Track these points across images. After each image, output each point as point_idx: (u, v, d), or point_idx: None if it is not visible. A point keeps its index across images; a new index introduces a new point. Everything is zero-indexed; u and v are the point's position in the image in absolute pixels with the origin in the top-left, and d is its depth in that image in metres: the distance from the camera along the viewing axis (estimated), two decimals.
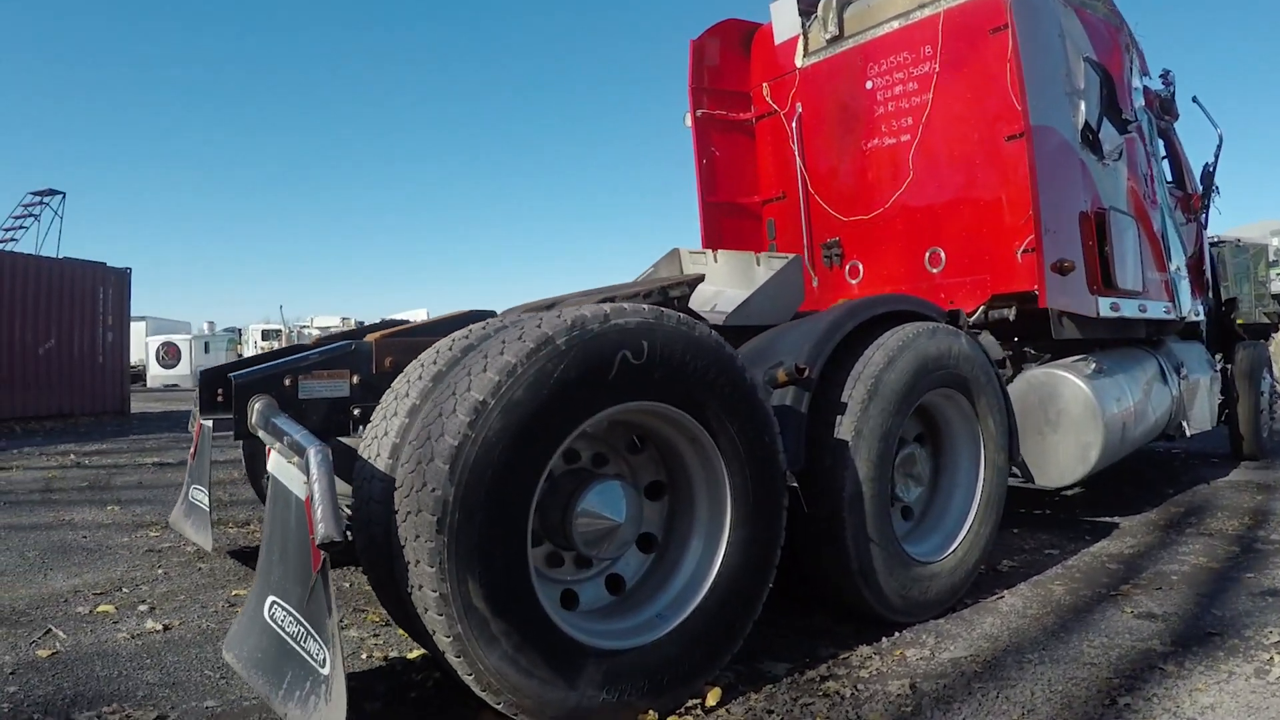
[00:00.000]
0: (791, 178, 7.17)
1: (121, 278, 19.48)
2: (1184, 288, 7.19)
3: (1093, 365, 5.97)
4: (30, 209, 35.19)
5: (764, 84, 7.39)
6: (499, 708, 2.75)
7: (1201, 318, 8.04)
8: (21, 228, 35.05)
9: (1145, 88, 7.30)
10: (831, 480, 3.74)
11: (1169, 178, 7.93)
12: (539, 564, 3.09)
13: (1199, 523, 6.10)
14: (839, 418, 3.79)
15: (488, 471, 2.62)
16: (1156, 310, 6.71)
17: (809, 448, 3.77)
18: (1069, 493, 7.35)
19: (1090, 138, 6.11)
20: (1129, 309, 6.31)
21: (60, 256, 20.18)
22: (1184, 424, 7.18)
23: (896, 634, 3.89)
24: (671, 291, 4.59)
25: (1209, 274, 8.36)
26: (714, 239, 7.26)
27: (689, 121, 7.38)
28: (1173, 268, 7.05)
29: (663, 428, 3.23)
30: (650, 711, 2.97)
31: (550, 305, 4.50)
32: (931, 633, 3.90)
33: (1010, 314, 6.00)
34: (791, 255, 5.24)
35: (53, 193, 35.38)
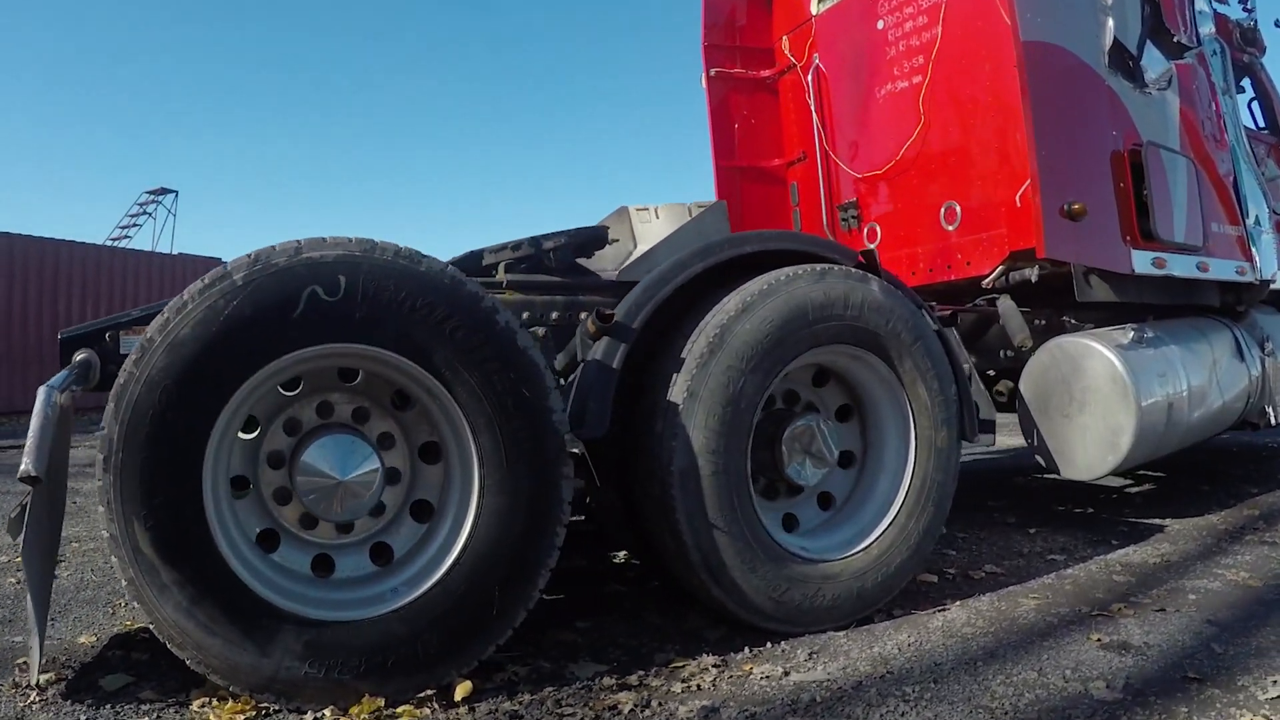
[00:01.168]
0: (811, 136, 6.21)
1: None
2: (1269, 246, 5.69)
3: (1131, 334, 4.71)
4: (145, 207, 34.86)
5: (784, 36, 6.46)
6: (188, 663, 2.49)
7: None
8: (135, 225, 34.81)
9: (1217, 13, 5.86)
10: (660, 451, 2.97)
11: (1259, 122, 6.39)
12: (253, 517, 2.73)
13: (1266, 529, 4.71)
14: (675, 376, 2.98)
15: (149, 411, 2.39)
16: (1224, 270, 5.29)
17: (636, 412, 3.04)
18: (1131, 489, 6.00)
19: (1126, 61, 4.84)
20: (1181, 266, 4.97)
21: (175, 253, 20.97)
22: (1270, 410, 5.68)
23: (770, 645, 3.02)
24: (546, 243, 3.83)
25: None
26: (731, 206, 6.38)
27: (705, 82, 6.57)
28: (1250, 221, 5.58)
29: (396, 376, 2.71)
30: (374, 697, 2.52)
31: None
32: (812, 648, 2.99)
33: (1033, 275, 4.83)
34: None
35: (165, 191, 34.67)
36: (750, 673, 2.77)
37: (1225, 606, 3.36)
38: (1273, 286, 5.89)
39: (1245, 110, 6.45)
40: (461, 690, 2.57)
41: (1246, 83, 6.43)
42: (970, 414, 3.65)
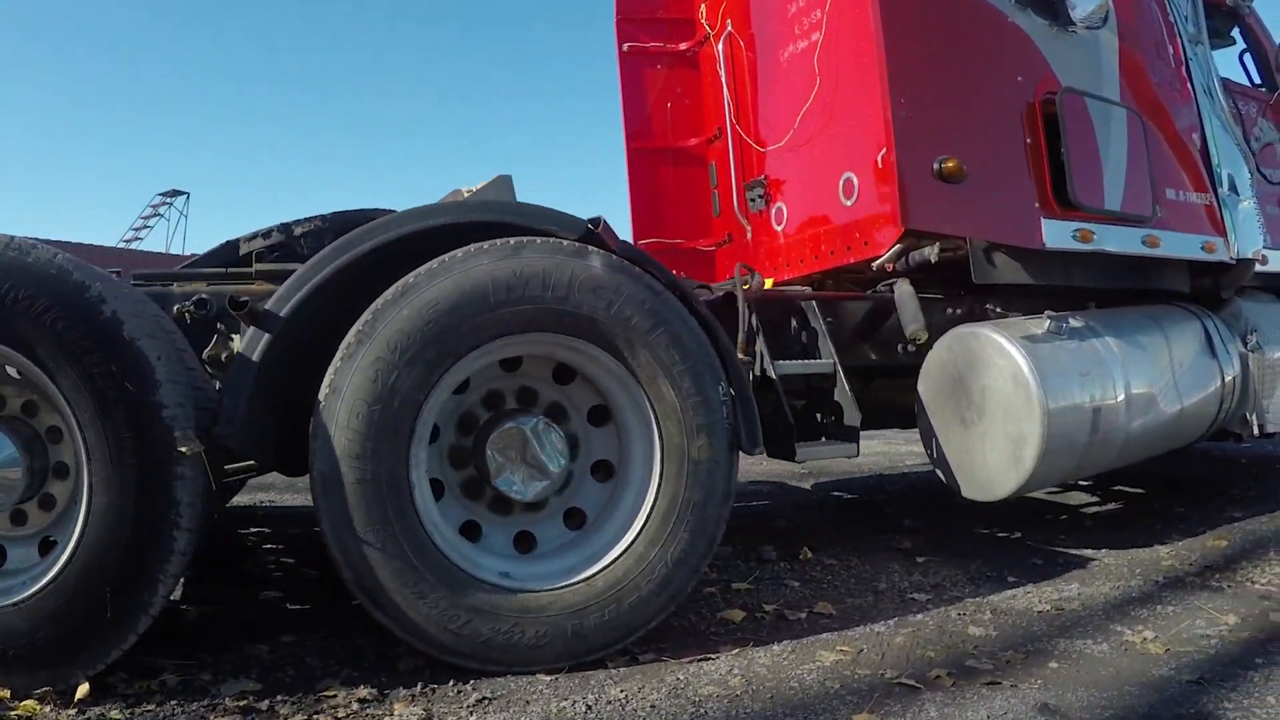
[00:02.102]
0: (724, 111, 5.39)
1: None
2: (1251, 219, 4.56)
3: (1049, 323, 3.71)
4: (158, 209, 34.16)
5: (702, 4, 5.65)
6: None
7: None
8: (147, 227, 34.20)
9: None
10: (309, 454, 2.52)
11: (1254, 78, 5.22)
12: None
13: (1219, 571, 3.58)
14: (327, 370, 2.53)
15: None
16: (1184, 246, 4.19)
17: (285, 407, 2.65)
18: (1089, 509, 4.90)
19: None
20: (1118, 241, 3.92)
21: (187, 253, 20.84)
22: (1251, 416, 4.53)
23: (451, 684, 2.48)
24: (296, 229, 3.26)
25: None
26: (646, 189, 5.58)
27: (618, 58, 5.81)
28: (1224, 189, 4.47)
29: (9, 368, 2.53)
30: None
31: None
32: (490, 693, 2.42)
33: (933, 254, 3.91)
34: (496, 177, 3.66)
35: (178, 193, 33.61)
36: (394, 713, 2.15)
37: (1085, 685, 2.37)
38: (1263, 268, 4.78)
39: (1239, 65, 5.30)
40: (82, 690, 2.41)
41: (1237, 33, 5.29)
42: (750, 420, 2.79)
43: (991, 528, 4.42)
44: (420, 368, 2.52)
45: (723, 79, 5.22)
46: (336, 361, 2.51)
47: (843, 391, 3.61)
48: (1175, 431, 4.14)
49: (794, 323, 3.93)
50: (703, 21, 5.49)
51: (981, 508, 4.73)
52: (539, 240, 2.68)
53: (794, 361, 3.72)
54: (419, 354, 2.52)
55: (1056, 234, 3.69)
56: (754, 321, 3.69)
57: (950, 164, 3.41)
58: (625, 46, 5.65)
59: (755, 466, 6.20)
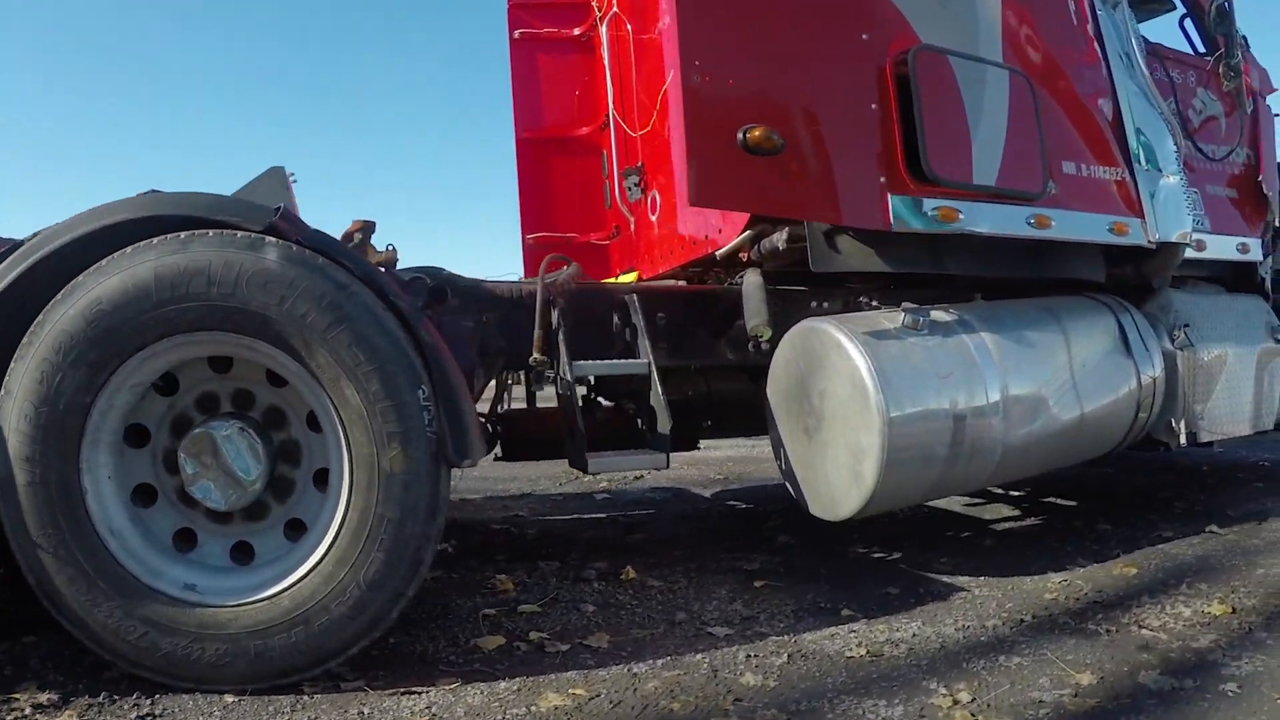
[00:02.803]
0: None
1: None
2: (1173, 198, 3.86)
3: (903, 317, 3.11)
4: None
5: None
6: None
7: (1259, 258, 4.48)
8: None
9: None
10: None
11: (1199, 47, 4.50)
12: None
13: (1111, 611, 2.91)
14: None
15: None
16: (1086, 228, 3.50)
17: None
18: (1001, 525, 4.20)
19: None
20: (993, 221, 3.28)
21: None
22: (1178, 423, 3.83)
23: (119, 698, 2.28)
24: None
25: (1272, 193, 4.50)
26: (537, 182, 5.09)
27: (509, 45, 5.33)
28: (1142, 164, 3.79)
29: None
30: None
31: None
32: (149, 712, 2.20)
33: (780, 241, 3.36)
34: (269, 169, 3.30)
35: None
36: None
37: None
38: (1199, 254, 4.08)
39: (1180, 31, 4.60)
40: None
41: None
42: (459, 428, 2.33)
43: (871, 546, 3.79)
44: (84, 369, 2.29)
45: (605, 61, 4.74)
46: (13, 363, 2.33)
47: (656, 395, 3.07)
48: (1076, 441, 3.48)
49: (616, 319, 3.39)
50: (594, 3, 5.01)
51: (875, 522, 4.15)
52: (211, 233, 2.28)
53: (594, 362, 3.21)
54: (82, 355, 2.29)
55: (908, 213, 3.07)
56: (555, 317, 3.20)
57: (756, 133, 2.83)
58: (517, 33, 5.17)
59: (671, 472, 5.64)
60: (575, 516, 4.54)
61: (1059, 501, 4.68)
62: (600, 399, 3.89)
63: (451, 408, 2.31)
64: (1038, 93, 3.40)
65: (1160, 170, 3.74)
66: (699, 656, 2.53)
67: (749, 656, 2.52)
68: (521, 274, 5.06)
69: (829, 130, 3.01)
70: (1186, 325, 3.88)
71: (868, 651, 2.54)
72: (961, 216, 3.16)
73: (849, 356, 2.95)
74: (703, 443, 4.23)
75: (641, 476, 5.56)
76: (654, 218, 4.38)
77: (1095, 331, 3.55)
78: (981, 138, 3.23)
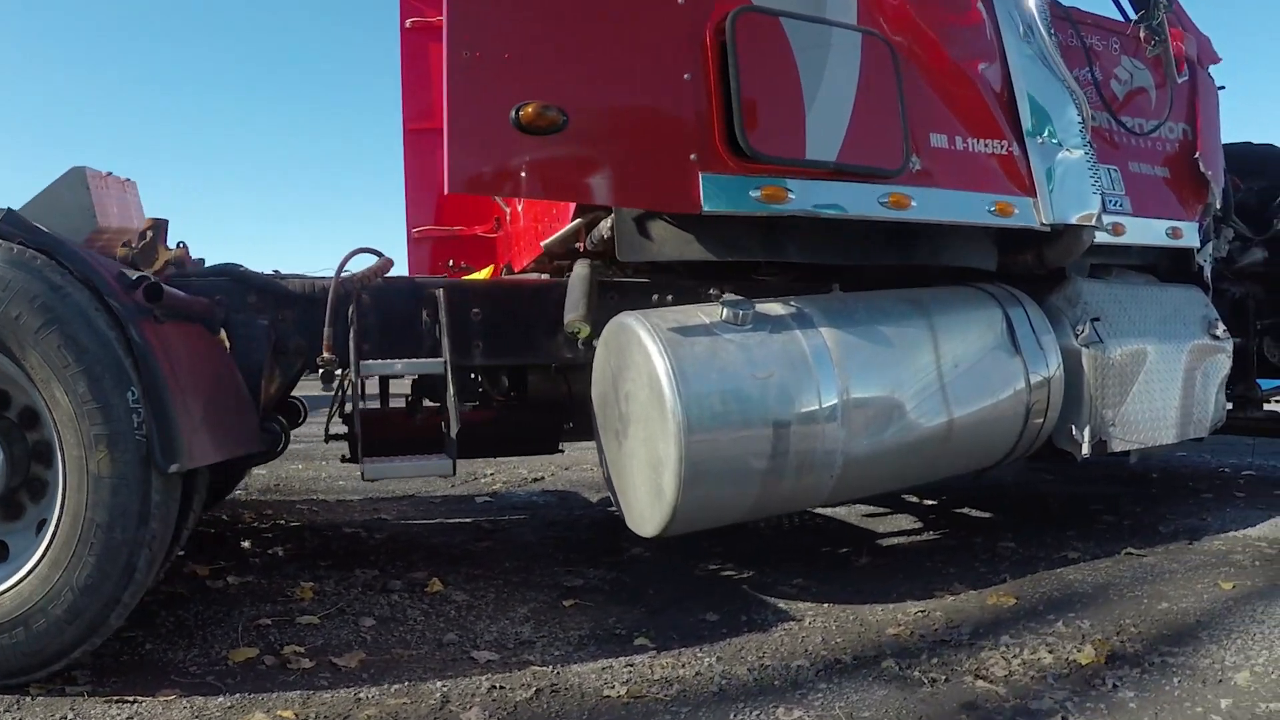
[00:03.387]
0: None
1: None
2: (1076, 175, 3.22)
3: (722, 311, 2.66)
4: None
5: None
6: None
7: (1195, 244, 3.88)
8: None
9: None
10: None
11: (1129, 13, 3.91)
12: None
13: (996, 648, 2.44)
14: None
15: None
16: (955, 207, 2.93)
17: None
18: (890, 539, 3.68)
19: None
20: (837, 199, 2.82)
21: None
22: (1081, 431, 3.28)
23: None
24: None
25: (1212, 173, 3.83)
26: (424, 174, 4.68)
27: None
28: (1035, 138, 3.23)
29: None
30: None
31: None
32: None
33: (605, 229, 2.94)
34: (70, 169, 3.08)
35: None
36: None
37: None
38: (1118, 239, 3.52)
39: None
40: None
41: None
42: (167, 432, 2.11)
43: (727, 562, 3.30)
44: None
45: None
46: None
47: (450, 397, 2.70)
48: (946, 452, 2.96)
49: (425, 315, 2.99)
50: None
51: (744, 533, 3.68)
52: None
53: (383, 361, 2.85)
54: None
55: (724, 194, 2.60)
56: (353, 314, 2.83)
57: (529, 110, 2.38)
58: (409, 22, 4.82)
59: (574, 474, 5.21)
60: (440, 521, 4.15)
61: (972, 513, 4.14)
62: (426, 400, 3.49)
63: (158, 410, 2.10)
64: (901, 58, 2.90)
65: (1060, 144, 3.19)
66: (440, 684, 2.19)
67: (493, 688, 2.15)
68: (407, 270, 4.71)
69: (627, 104, 2.56)
70: (1096, 319, 3.33)
71: (628, 691, 2.11)
72: (792, 197, 2.68)
73: (648, 355, 2.50)
74: None
75: (541, 478, 5.14)
76: (520, 208, 3.97)
77: (972, 326, 3.03)
78: (821, 108, 2.74)
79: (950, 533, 3.77)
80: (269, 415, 2.94)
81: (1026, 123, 3.13)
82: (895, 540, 3.67)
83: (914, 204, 2.86)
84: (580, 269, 2.96)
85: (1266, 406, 4.61)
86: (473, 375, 3.32)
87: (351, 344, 2.77)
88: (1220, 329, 3.71)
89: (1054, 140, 3.18)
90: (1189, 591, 2.92)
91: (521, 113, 2.40)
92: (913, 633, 2.58)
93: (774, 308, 2.77)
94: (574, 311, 2.79)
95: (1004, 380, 3.01)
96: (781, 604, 2.84)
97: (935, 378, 2.87)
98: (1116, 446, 3.31)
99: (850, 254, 2.99)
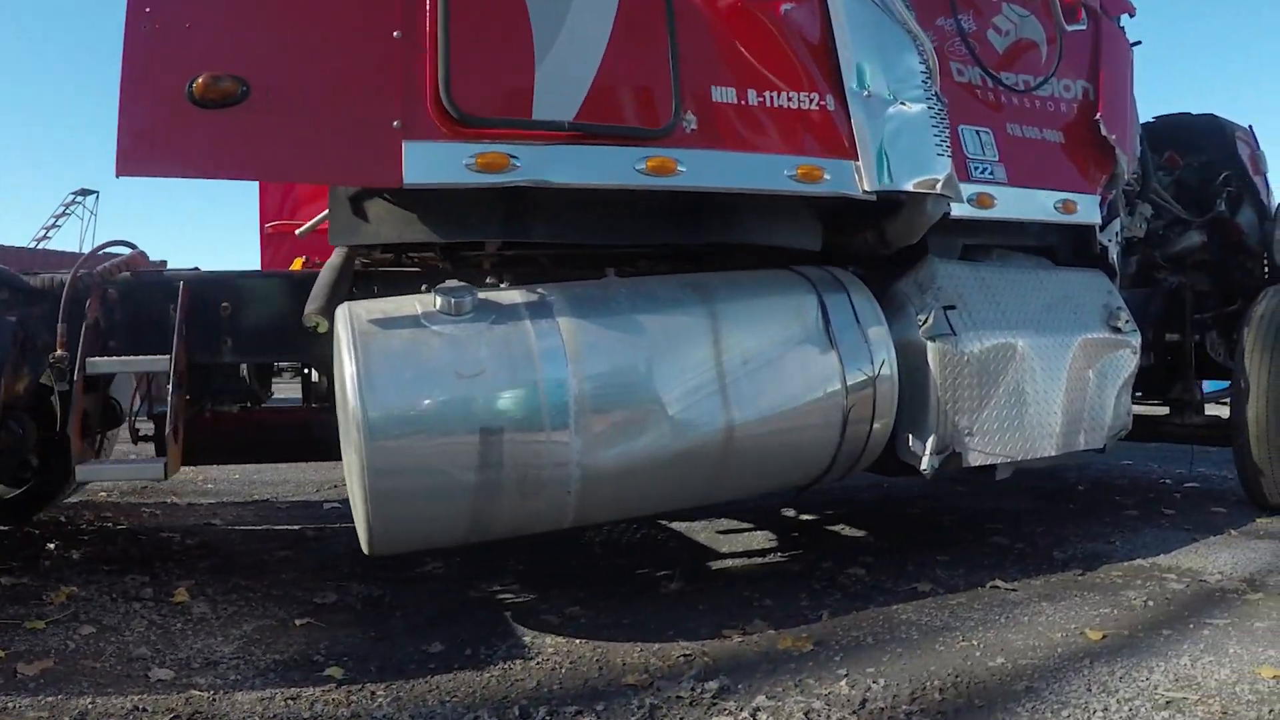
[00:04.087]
0: None
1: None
2: (913, 133, 2.50)
3: (439, 301, 2.11)
4: (68, 208, 30.51)
5: None
6: None
7: (1094, 219, 3.17)
8: (56, 227, 30.56)
9: None
10: None
11: None
12: None
13: (735, 697, 1.84)
14: None
15: None
16: (740, 172, 2.31)
17: None
18: (750, 560, 3.06)
19: None
20: (582, 166, 2.19)
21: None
22: (923, 441, 2.63)
23: None
24: None
25: (1117, 137, 3.12)
26: None
27: None
28: (861, 93, 2.58)
29: None
30: None
31: None
32: None
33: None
34: None
35: (88, 192, 29.86)
36: None
37: None
38: (985, 214, 2.86)
39: None
40: None
41: None
42: None
43: (514, 582, 2.73)
44: None
45: None
46: None
47: (171, 396, 2.38)
48: (730, 466, 2.34)
49: (172, 310, 2.54)
50: None
51: (563, 544, 3.12)
52: None
53: (110, 359, 2.49)
54: None
55: (431, 164, 2.06)
56: (96, 310, 2.47)
57: (201, 81, 1.94)
58: None
59: None
60: (267, 528, 3.68)
61: (844, 531, 3.49)
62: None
63: None
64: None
65: (893, 98, 2.56)
66: (87, 700, 1.93)
67: (133, 710, 1.87)
68: (259, 265, 4.27)
69: (322, 70, 2.05)
70: (950, 307, 2.68)
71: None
72: (517, 164, 2.11)
73: (340, 351, 2.02)
74: None
75: None
76: None
77: (769, 315, 2.42)
78: (557, 60, 2.18)
79: (803, 555, 3.14)
80: (9, 414, 2.58)
81: (848, 73, 2.51)
82: (730, 562, 3.06)
83: (682, 169, 2.26)
84: (335, 257, 2.49)
85: (1210, 410, 3.87)
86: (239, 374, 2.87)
87: (82, 339, 2.40)
88: (1124, 320, 3.01)
89: (886, 94, 2.54)
90: (1042, 642, 2.27)
91: (195, 85, 1.96)
92: (652, 683, 2.00)
93: (508, 296, 2.23)
94: (313, 303, 2.31)
95: (811, 380, 2.39)
96: (530, 636, 2.30)
97: (713, 377, 2.27)
98: (975, 460, 2.66)
99: (618, 233, 2.42)
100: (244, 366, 2.92)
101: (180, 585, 2.73)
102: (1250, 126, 4.09)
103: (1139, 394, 4.23)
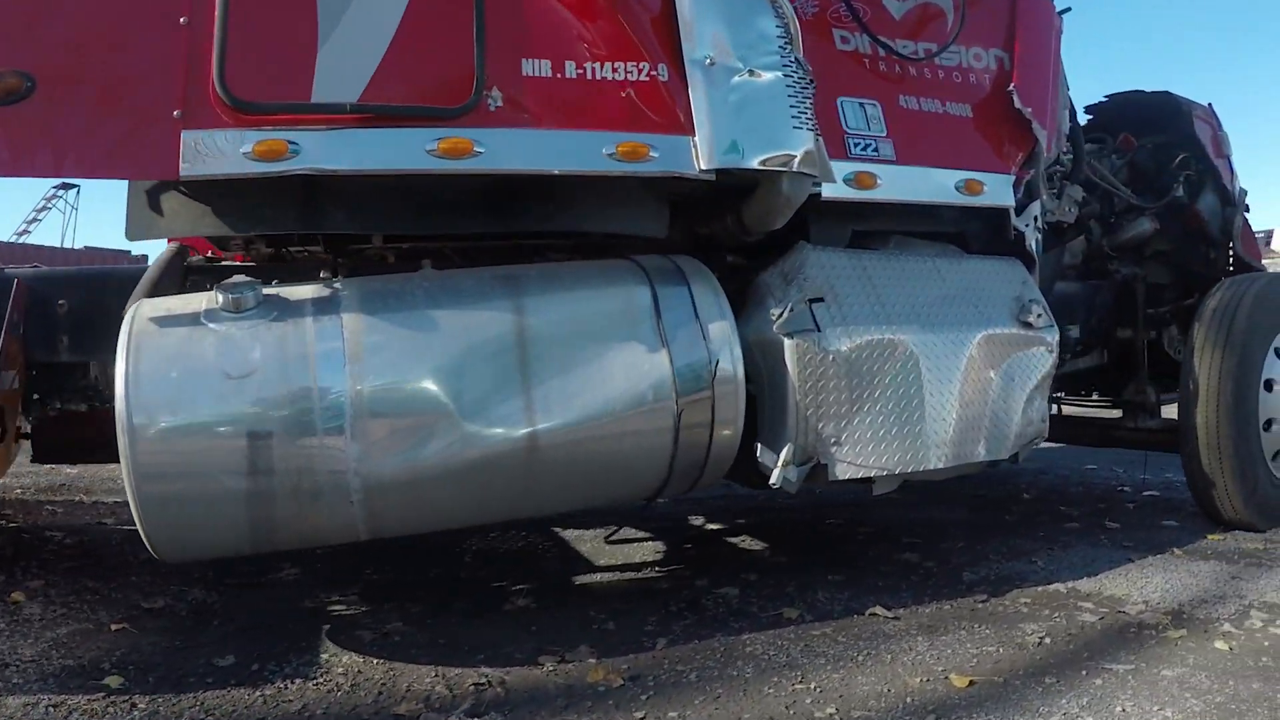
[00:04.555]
0: None
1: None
2: (761, 104, 2.09)
3: (220, 297, 1.84)
4: (50, 202, 30.06)
5: None
6: None
7: (1005, 202, 2.73)
8: (38, 221, 30.10)
9: None
10: None
11: None
12: None
13: None
14: None
15: None
16: (550, 153, 1.99)
17: None
18: (594, 574, 2.74)
19: None
20: (362, 151, 1.87)
21: (80, 247, 18.29)
22: (775, 452, 2.21)
23: None
24: None
25: (1033, 110, 2.66)
26: None
27: None
28: (706, 60, 2.15)
29: None
30: None
31: None
32: None
33: None
34: None
35: (69, 185, 28.95)
36: None
37: None
38: (868, 195, 2.48)
39: None
40: None
41: None
42: None
43: (356, 595, 2.44)
44: None
45: None
46: None
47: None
48: (540, 477, 2.00)
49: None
50: None
51: (437, 552, 2.85)
52: None
53: None
54: None
55: (209, 153, 1.79)
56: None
57: None
58: None
59: None
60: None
61: (743, 543, 3.11)
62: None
63: None
64: None
65: (742, 66, 2.22)
66: None
67: None
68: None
69: (109, 61, 1.84)
70: (817, 299, 2.32)
71: None
72: (297, 151, 1.86)
73: (118, 350, 1.82)
74: None
75: None
76: None
77: (588, 311, 2.09)
78: (344, 38, 1.91)
79: (683, 570, 2.80)
80: None
81: (689, 39, 2.17)
82: (598, 577, 2.73)
83: (480, 151, 1.96)
84: (165, 250, 2.30)
85: (1168, 413, 3.40)
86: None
87: None
88: (1035, 314, 2.59)
89: (734, 61, 2.19)
90: (894, 688, 1.90)
91: None
92: (420, 715, 1.74)
93: (298, 292, 1.97)
94: (132, 300, 2.09)
95: (634, 382, 2.06)
96: (329, 654, 2.09)
97: (515, 380, 1.97)
98: (844, 472, 2.29)
99: (425, 222, 2.14)
100: (92, 365, 2.73)
101: (29, 585, 2.55)
102: (1210, 105, 3.61)
103: (1092, 395, 3.79)
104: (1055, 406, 3.81)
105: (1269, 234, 14.03)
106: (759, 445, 2.24)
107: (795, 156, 2.17)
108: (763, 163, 2.15)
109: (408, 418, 1.92)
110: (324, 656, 2.08)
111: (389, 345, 1.93)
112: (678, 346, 2.11)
